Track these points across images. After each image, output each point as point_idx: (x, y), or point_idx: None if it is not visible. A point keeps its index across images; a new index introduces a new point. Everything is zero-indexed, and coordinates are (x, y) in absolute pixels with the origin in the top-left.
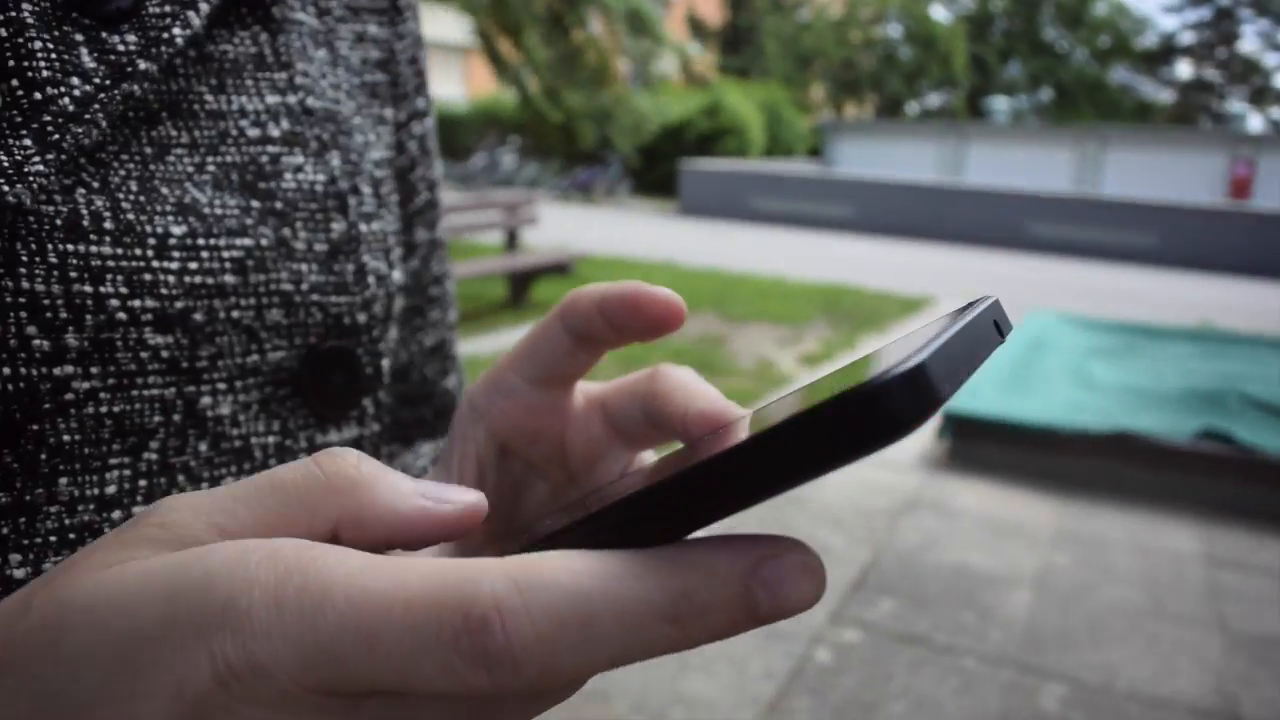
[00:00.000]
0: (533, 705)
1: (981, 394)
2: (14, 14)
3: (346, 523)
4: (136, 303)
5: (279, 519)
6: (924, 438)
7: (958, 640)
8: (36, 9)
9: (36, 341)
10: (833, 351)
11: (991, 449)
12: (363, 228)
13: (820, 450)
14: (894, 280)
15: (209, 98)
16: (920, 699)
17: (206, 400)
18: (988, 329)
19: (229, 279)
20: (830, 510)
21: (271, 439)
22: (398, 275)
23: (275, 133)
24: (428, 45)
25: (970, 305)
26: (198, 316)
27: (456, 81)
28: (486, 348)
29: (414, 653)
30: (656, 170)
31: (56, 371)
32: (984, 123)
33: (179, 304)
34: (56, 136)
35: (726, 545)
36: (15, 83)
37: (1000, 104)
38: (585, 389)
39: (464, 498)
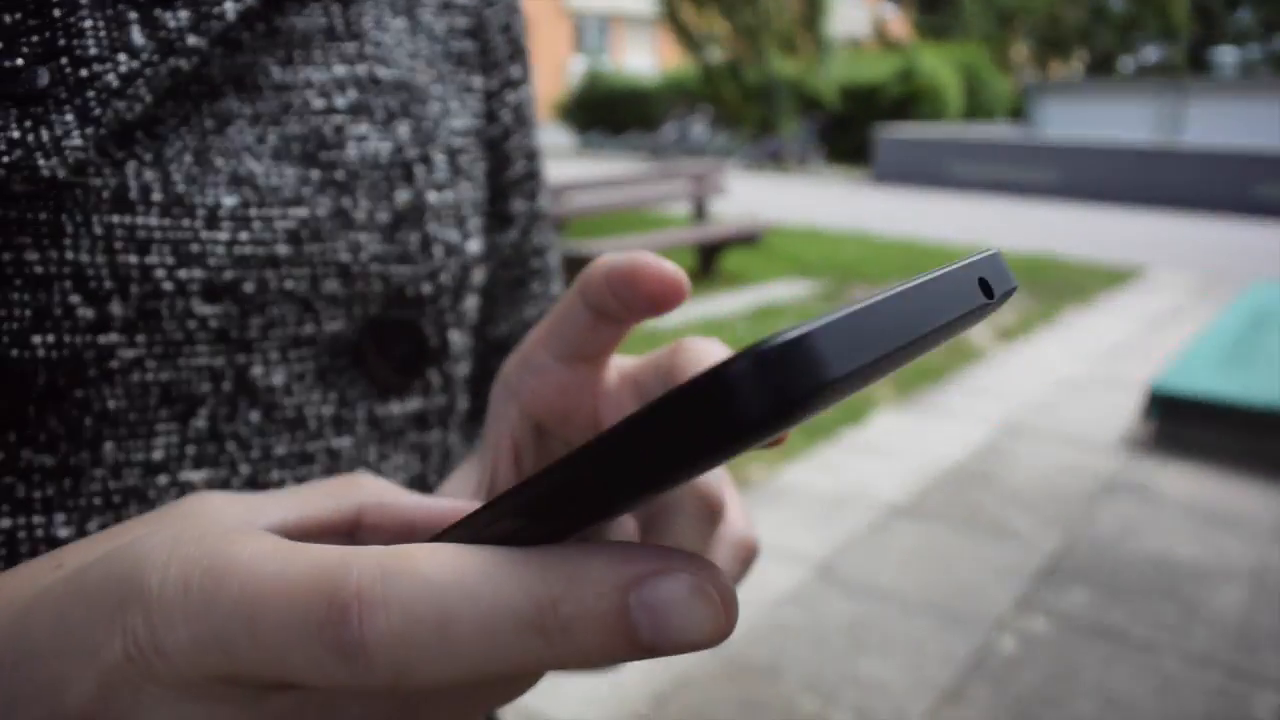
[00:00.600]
0: (459, 710)
1: (1194, 371)
2: None
3: (370, 508)
4: (184, 273)
5: (304, 505)
6: (1126, 417)
7: (1158, 637)
8: None
9: (81, 310)
10: (1031, 324)
11: (1203, 431)
12: (431, 197)
13: (680, 446)
14: (1102, 249)
15: (275, 70)
16: (1112, 697)
17: (258, 370)
18: (963, 290)
19: (282, 249)
20: (1020, 492)
21: (327, 409)
22: (474, 246)
23: (341, 103)
24: (619, 17)
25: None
26: (248, 287)
27: (647, 53)
28: (672, 320)
29: (287, 641)
30: (849, 138)
31: (101, 340)
32: (1207, 77)
33: (228, 274)
34: (98, 112)
35: (610, 553)
36: (64, 60)
37: (1227, 55)
38: (620, 365)
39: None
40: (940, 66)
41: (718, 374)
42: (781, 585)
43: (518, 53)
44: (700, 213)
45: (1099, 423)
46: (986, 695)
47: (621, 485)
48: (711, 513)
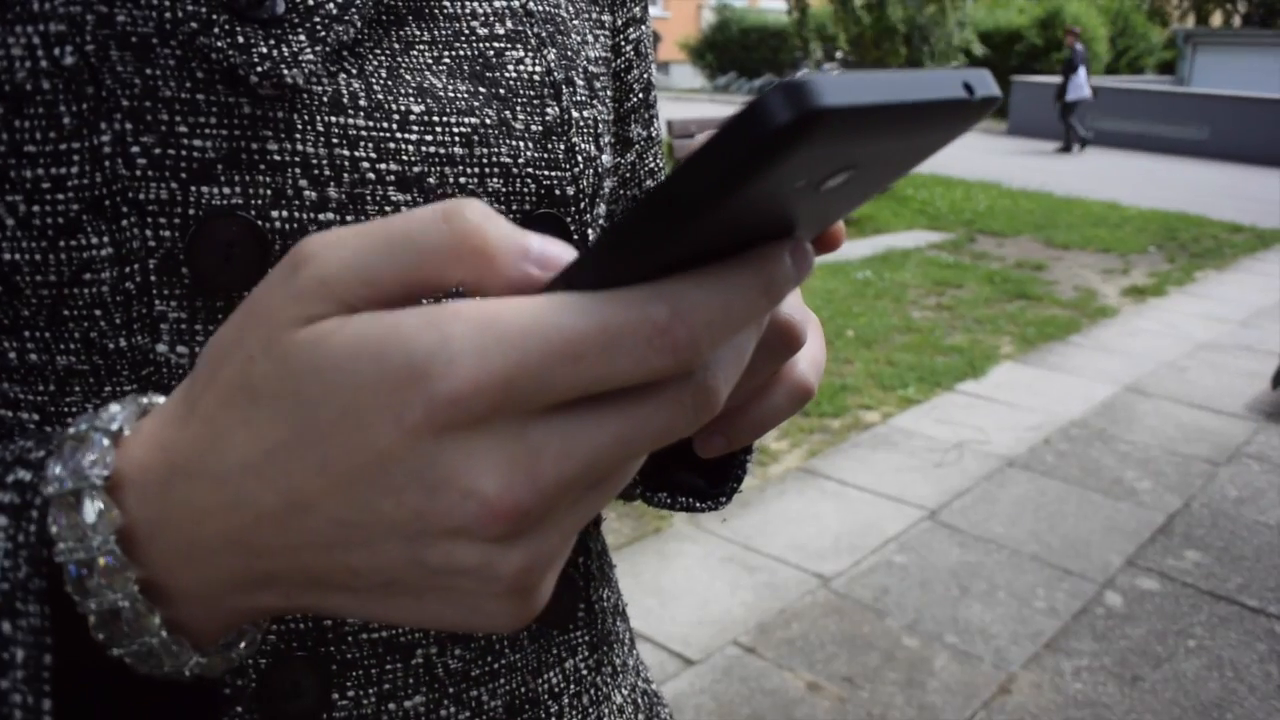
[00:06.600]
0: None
1: None
2: None
3: (468, 286)
4: (383, 165)
5: (413, 277)
6: (1258, 385)
7: (1273, 605)
8: None
9: (307, 192)
10: (1164, 286)
11: None
12: (574, 113)
13: (722, 161)
14: (1248, 211)
15: (447, 3)
16: (1218, 659)
17: None
18: (948, 83)
19: (458, 150)
20: (1141, 450)
21: None
22: (606, 158)
23: (501, 31)
24: None
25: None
26: (431, 180)
27: None
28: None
29: (616, 356)
30: None
31: (320, 217)
32: None
33: (416, 169)
34: (323, 33)
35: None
36: None
37: None
38: None
39: (565, 256)
40: (1086, 13)
41: (755, 101)
42: (892, 528)
43: None
44: None
45: (1228, 388)
46: (1090, 648)
47: (700, 199)
48: (786, 346)
